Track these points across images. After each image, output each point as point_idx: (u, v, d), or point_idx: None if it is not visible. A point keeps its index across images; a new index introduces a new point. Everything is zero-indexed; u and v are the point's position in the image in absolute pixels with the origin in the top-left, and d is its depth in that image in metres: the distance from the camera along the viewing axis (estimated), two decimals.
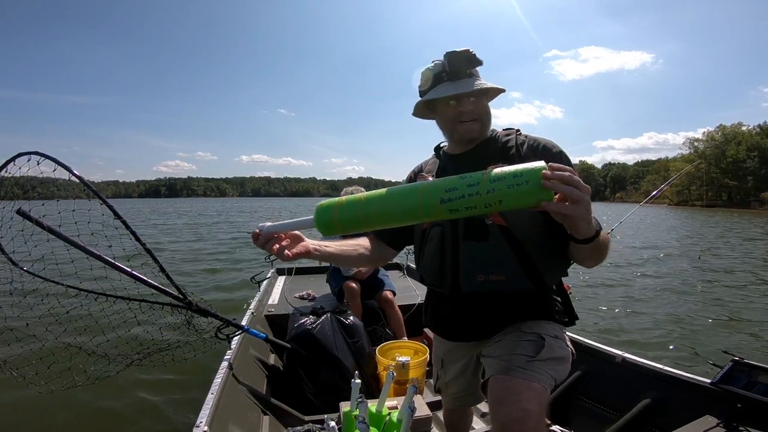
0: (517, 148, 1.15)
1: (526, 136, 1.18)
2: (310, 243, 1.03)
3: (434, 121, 1.26)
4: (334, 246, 1.15)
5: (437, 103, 1.18)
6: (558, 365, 1.07)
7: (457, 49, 1.12)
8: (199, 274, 7.50)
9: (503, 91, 1.18)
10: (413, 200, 0.82)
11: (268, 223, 0.96)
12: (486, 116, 1.18)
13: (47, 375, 1.69)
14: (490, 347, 1.14)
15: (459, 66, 1.12)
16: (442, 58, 1.14)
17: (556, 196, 0.76)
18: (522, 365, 1.01)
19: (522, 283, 1.09)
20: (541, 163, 0.75)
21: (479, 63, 1.13)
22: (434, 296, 1.31)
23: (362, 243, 1.27)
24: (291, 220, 0.96)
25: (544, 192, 0.73)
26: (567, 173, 0.74)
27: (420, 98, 1.21)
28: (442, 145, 1.33)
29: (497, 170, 0.78)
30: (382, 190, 0.89)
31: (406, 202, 0.83)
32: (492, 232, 1.08)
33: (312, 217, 0.90)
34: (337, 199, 0.91)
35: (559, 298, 1.21)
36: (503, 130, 1.24)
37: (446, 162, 1.27)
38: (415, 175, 1.34)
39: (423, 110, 1.25)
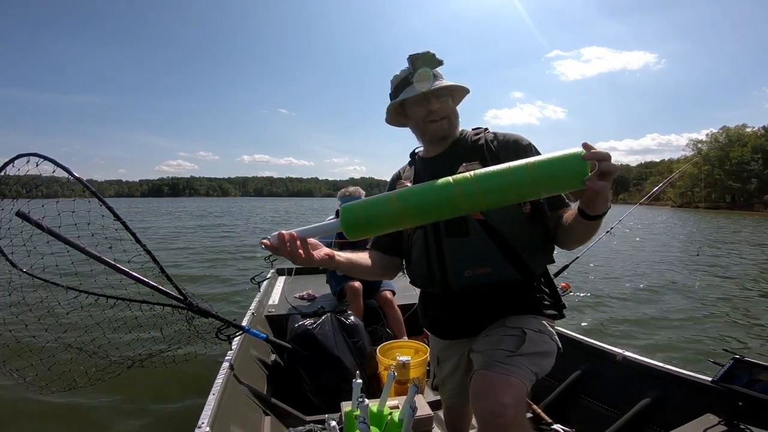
0: (487, 144, 1.18)
1: (495, 133, 1.21)
2: (330, 250, 1.05)
3: (409, 129, 1.29)
4: (348, 255, 1.16)
5: (408, 106, 1.21)
6: (540, 360, 1.08)
7: (419, 52, 1.16)
8: (199, 275, 7.49)
9: (468, 91, 1.23)
10: (450, 190, 0.84)
11: (280, 231, 0.93)
12: (453, 115, 1.21)
13: (48, 376, 1.70)
14: (477, 343, 1.16)
15: (423, 67, 1.15)
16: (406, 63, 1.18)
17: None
18: (502, 360, 1.03)
19: (508, 274, 1.12)
20: (579, 149, 0.80)
21: (440, 63, 1.17)
22: (426, 297, 1.33)
23: (370, 255, 1.29)
24: (316, 224, 0.96)
25: (586, 171, 0.78)
26: (604, 151, 0.78)
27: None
28: (417, 150, 1.36)
29: (537, 158, 0.83)
30: (408, 188, 0.91)
31: (443, 193, 0.84)
32: (472, 227, 1.12)
33: (337, 219, 0.90)
34: (359, 200, 0.92)
35: (546, 290, 1.22)
36: (472, 129, 1.27)
37: (420, 166, 1.30)
38: (394, 182, 1.36)
39: (396, 117, 1.28)
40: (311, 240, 0.97)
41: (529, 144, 1.16)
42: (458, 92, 1.24)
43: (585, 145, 0.79)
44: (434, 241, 1.17)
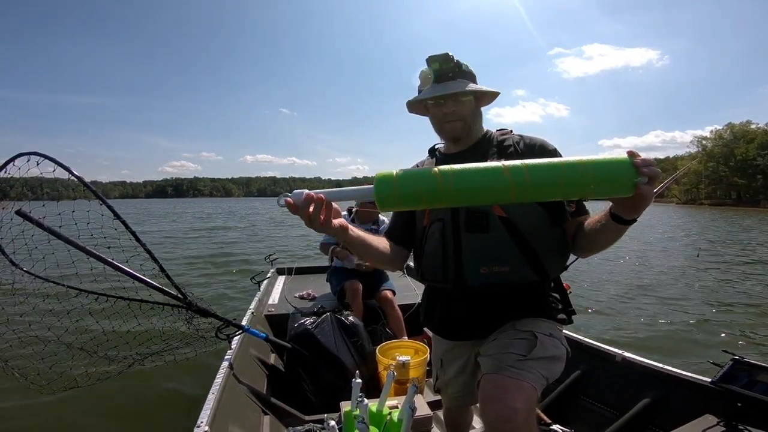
0: (514, 146, 1.19)
1: (520, 136, 1.22)
2: (345, 222, 0.99)
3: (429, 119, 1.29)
4: (361, 233, 1.10)
5: (428, 103, 1.22)
6: (550, 364, 1.07)
7: (437, 53, 1.16)
8: (199, 274, 7.52)
9: (495, 93, 1.22)
10: (502, 178, 0.80)
11: (305, 191, 0.87)
12: (471, 116, 1.21)
13: (49, 375, 1.71)
14: (485, 346, 1.14)
15: (440, 69, 1.16)
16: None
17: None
18: (513, 364, 1.01)
19: (524, 274, 1.10)
20: (625, 155, 0.79)
21: (457, 65, 1.17)
22: (435, 294, 1.30)
23: (384, 240, 1.26)
24: (346, 189, 0.89)
25: (637, 177, 0.77)
26: (646, 158, 0.78)
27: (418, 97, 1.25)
28: (437, 146, 1.36)
29: (588, 157, 0.80)
30: (452, 165, 0.85)
31: (495, 180, 0.81)
32: (493, 223, 1.10)
33: (371, 186, 0.83)
34: (397, 170, 0.85)
35: (557, 295, 1.21)
36: (497, 130, 1.27)
37: (442, 162, 1.28)
38: None
39: (419, 108, 1.29)
40: (334, 207, 0.91)
41: (555, 149, 1.17)
42: (484, 95, 1.23)
43: (631, 153, 0.79)
44: (452, 234, 1.15)
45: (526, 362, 1.02)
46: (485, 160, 1.14)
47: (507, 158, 1.13)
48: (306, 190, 0.86)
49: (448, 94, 1.15)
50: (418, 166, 1.35)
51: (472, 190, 0.82)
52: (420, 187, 0.82)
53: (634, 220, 0.88)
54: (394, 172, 0.84)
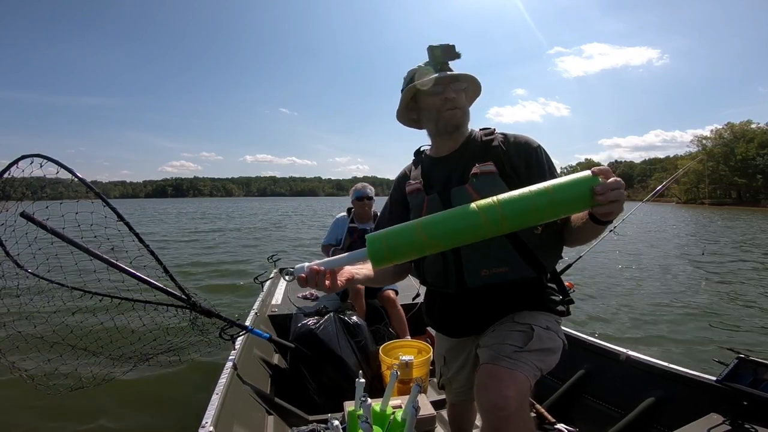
0: (500, 145, 1.19)
1: (504, 134, 1.22)
2: (351, 268, 1.09)
3: (417, 129, 1.31)
4: (365, 272, 1.17)
5: (422, 96, 1.22)
6: (545, 356, 1.09)
7: (439, 44, 1.19)
8: (201, 275, 7.53)
9: (479, 92, 1.26)
10: (475, 218, 0.87)
11: (306, 264, 0.98)
12: (466, 107, 1.23)
13: (54, 376, 1.71)
14: (485, 338, 1.16)
15: (442, 58, 1.19)
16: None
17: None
18: (508, 355, 1.04)
19: (524, 272, 1.13)
20: (588, 173, 0.84)
21: (457, 56, 1.20)
22: (433, 296, 1.32)
23: None
24: (343, 255, 1.00)
25: (594, 200, 0.82)
26: (614, 180, 0.82)
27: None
28: (423, 149, 1.36)
29: (553, 182, 0.86)
30: (431, 216, 0.93)
31: (469, 221, 0.87)
32: None
33: (365, 249, 0.93)
34: (384, 230, 0.95)
35: (555, 287, 1.23)
36: (480, 129, 1.28)
37: (430, 165, 1.30)
38: (400, 181, 1.36)
39: (406, 113, 1.31)
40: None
41: (539, 146, 1.18)
42: (471, 91, 1.25)
43: (595, 171, 0.83)
44: None
45: (522, 354, 1.04)
46: (473, 163, 1.16)
47: (494, 157, 1.16)
48: (307, 264, 0.99)
49: (449, 75, 1.17)
50: (407, 172, 1.36)
51: (453, 235, 0.89)
52: (405, 241, 0.90)
53: (610, 221, 0.94)
54: (382, 234, 0.93)
